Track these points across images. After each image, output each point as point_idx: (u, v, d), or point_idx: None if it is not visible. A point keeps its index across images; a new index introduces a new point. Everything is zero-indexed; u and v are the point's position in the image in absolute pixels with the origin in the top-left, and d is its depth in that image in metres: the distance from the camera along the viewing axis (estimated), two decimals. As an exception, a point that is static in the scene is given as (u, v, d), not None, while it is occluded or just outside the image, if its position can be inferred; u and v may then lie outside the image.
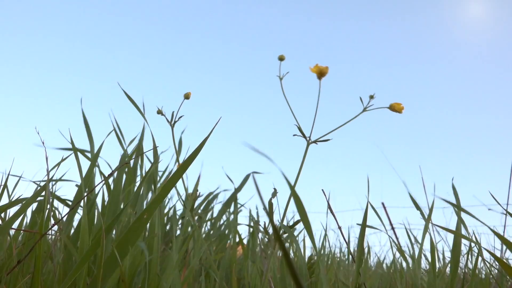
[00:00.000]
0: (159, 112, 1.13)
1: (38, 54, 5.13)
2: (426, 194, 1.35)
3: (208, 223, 1.90)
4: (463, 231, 1.42)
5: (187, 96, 1.12)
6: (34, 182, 1.41)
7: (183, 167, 0.75)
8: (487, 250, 0.99)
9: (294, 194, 0.81)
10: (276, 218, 0.94)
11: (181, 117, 1.10)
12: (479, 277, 1.34)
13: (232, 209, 1.97)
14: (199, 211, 1.94)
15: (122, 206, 1.36)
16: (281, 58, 1.00)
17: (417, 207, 1.15)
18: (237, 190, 2.00)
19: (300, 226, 2.34)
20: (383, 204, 2.49)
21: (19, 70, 4.81)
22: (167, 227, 1.68)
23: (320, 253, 0.90)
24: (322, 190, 0.90)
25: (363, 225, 0.80)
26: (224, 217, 1.96)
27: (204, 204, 2.00)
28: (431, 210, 1.16)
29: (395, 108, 0.90)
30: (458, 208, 1.19)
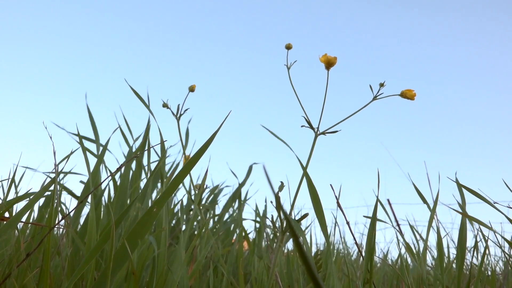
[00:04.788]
0: (165, 105, 1.12)
1: (46, 50, 5.13)
2: (431, 189, 1.34)
3: (214, 217, 1.90)
4: (468, 228, 1.41)
5: (192, 89, 1.11)
6: (44, 173, 1.41)
7: (192, 161, 0.75)
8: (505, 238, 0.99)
9: (309, 183, 0.81)
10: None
11: (186, 110, 1.10)
12: (486, 273, 1.34)
13: (237, 204, 1.98)
14: (206, 204, 1.94)
15: (128, 201, 1.36)
16: (288, 47, 0.98)
17: (423, 200, 1.15)
18: (242, 184, 2.01)
19: (306, 221, 2.33)
20: (388, 200, 2.49)
21: (27, 66, 4.83)
22: (173, 222, 1.69)
23: (329, 246, 0.90)
24: (331, 185, 0.90)
25: (373, 220, 0.79)
26: (229, 212, 1.96)
27: (210, 198, 2.00)
28: (436, 201, 1.16)
29: (406, 95, 0.89)
30: (463, 202, 1.19)
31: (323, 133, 0.85)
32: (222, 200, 2.85)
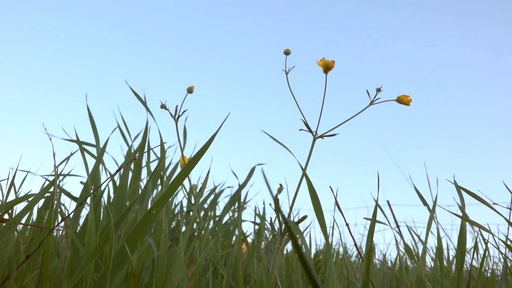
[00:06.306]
0: (163, 106, 1.12)
1: (44, 51, 5.13)
2: (431, 191, 1.35)
3: (214, 218, 1.90)
4: (468, 229, 1.41)
5: (190, 90, 1.11)
6: (42, 176, 1.41)
7: (192, 163, 0.75)
8: (504, 241, 0.99)
9: (309, 185, 0.81)
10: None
11: (184, 111, 1.10)
12: (485, 275, 1.34)
13: (236, 205, 1.98)
14: (205, 206, 1.94)
15: (128, 203, 1.36)
16: (286, 52, 0.99)
17: (424, 202, 1.15)
18: (242, 186, 2.01)
19: (305, 223, 2.34)
20: (388, 202, 2.49)
21: (26, 68, 4.83)
22: (173, 223, 1.69)
23: (329, 248, 0.90)
24: (330, 187, 0.90)
25: (373, 221, 0.80)
26: (229, 214, 1.96)
27: (209, 199, 2.00)
28: (435, 203, 1.16)
29: (402, 100, 0.89)
30: (462, 205, 1.19)
31: (321, 136, 0.86)
32: (222, 201, 2.85)
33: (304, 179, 0.87)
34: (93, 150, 1.56)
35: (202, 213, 1.79)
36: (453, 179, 1.19)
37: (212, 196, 2.01)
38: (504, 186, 1.15)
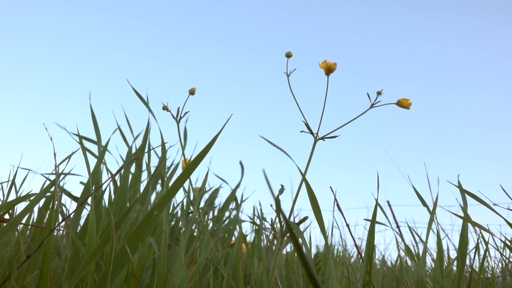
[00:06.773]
0: (165, 108, 1.13)
1: (45, 50, 5.14)
2: (431, 191, 1.35)
3: (213, 219, 1.91)
4: (469, 230, 1.41)
5: (192, 92, 1.12)
6: (42, 174, 1.41)
7: (193, 165, 0.75)
8: (503, 241, 0.99)
9: (307, 187, 0.81)
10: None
11: (186, 113, 1.10)
12: (485, 276, 1.34)
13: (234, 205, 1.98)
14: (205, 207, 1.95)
15: (128, 203, 1.36)
16: (288, 55, 0.99)
17: (423, 203, 1.15)
18: (237, 186, 2.01)
19: (305, 223, 2.35)
20: (388, 202, 2.49)
21: (27, 66, 4.83)
22: (172, 223, 1.69)
23: (329, 249, 0.90)
24: (330, 187, 0.90)
25: (373, 222, 0.80)
26: (227, 214, 1.97)
27: (208, 200, 2.00)
28: (435, 204, 1.16)
29: (402, 104, 0.90)
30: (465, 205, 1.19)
31: (322, 138, 0.86)
32: (221, 201, 2.85)
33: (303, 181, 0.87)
34: (95, 150, 1.56)
35: (202, 214, 1.79)
36: (454, 179, 1.19)
37: (210, 197, 2.01)
38: (505, 186, 1.15)
